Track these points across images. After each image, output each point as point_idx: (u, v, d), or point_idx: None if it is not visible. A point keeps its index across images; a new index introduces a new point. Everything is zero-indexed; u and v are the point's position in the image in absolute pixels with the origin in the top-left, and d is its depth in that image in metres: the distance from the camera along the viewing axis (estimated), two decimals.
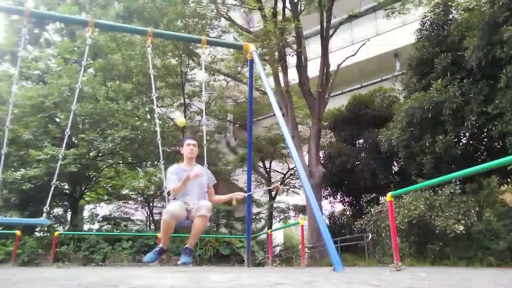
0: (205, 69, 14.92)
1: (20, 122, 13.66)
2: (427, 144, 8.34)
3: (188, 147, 4.04)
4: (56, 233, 11.62)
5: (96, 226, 16.30)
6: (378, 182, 11.65)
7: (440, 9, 9.51)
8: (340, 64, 12.96)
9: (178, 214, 3.57)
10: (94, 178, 16.21)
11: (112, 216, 17.65)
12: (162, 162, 4.66)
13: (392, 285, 2.17)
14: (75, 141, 14.37)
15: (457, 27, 8.70)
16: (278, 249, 18.56)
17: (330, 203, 14.36)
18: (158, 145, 4.82)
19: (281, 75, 12.60)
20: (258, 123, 18.46)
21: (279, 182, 18.66)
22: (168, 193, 3.96)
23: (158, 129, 4.96)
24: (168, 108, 17.13)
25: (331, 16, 12.31)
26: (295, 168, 13.07)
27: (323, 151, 14.05)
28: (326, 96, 12.50)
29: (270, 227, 16.35)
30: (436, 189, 7.62)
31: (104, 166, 16.14)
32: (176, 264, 3.64)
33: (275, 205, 18.39)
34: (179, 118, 4.31)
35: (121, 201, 18.18)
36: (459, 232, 6.69)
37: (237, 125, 20.38)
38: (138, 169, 16.81)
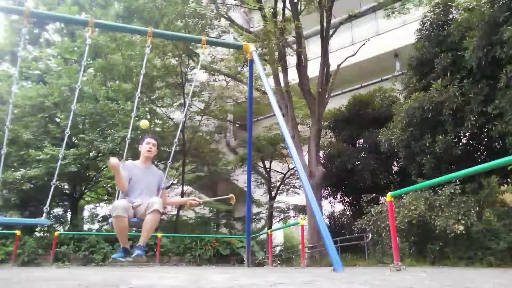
0: (205, 69, 14.93)
1: (20, 122, 13.67)
2: (427, 144, 8.34)
3: (147, 146, 3.92)
4: (56, 233, 11.63)
5: (96, 226, 16.32)
6: (378, 182, 11.65)
7: (440, 9, 9.50)
8: (340, 64, 12.95)
9: (126, 206, 3.42)
10: (94, 178, 16.21)
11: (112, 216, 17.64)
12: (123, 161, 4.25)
13: (392, 285, 2.17)
14: (75, 141, 14.37)
15: (457, 27, 8.69)
16: (278, 249, 18.56)
17: (330, 203, 14.36)
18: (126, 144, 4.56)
19: (281, 75, 12.60)
20: (258, 123, 18.46)
21: (279, 182, 18.68)
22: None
23: (130, 131, 4.63)
24: (168, 108, 17.14)
25: (331, 16, 12.31)
26: (295, 168, 13.06)
27: (323, 151, 14.04)
28: (326, 96, 12.50)
29: (270, 227, 16.35)
30: (436, 189, 7.61)
31: (104, 166, 16.14)
32: (131, 260, 3.48)
33: (275, 205, 18.40)
34: (142, 120, 4.11)
35: None
36: (459, 232, 6.68)
37: (237, 125, 20.39)
38: None
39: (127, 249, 3.58)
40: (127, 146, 4.50)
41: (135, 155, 16.77)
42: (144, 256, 3.37)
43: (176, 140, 5.00)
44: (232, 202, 4.20)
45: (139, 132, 13.98)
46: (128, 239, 3.62)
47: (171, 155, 4.73)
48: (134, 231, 3.81)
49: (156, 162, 14.89)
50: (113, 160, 3.48)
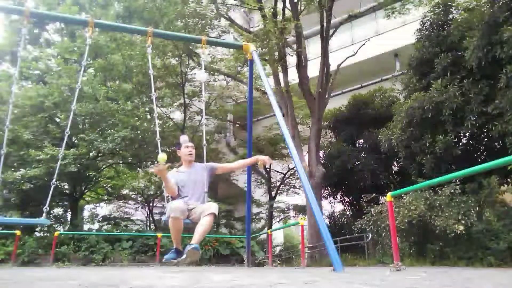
0: (205, 69, 14.90)
1: (20, 122, 13.66)
2: (427, 144, 8.34)
3: (187, 150, 4.03)
4: (56, 233, 11.62)
5: (96, 226, 16.31)
6: (378, 182, 11.65)
7: (440, 9, 9.50)
8: (340, 64, 12.95)
9: (183, 208, 3.48)
10: (94, 178, 16.21)
11: (112, 216, 17.67)
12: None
13: (392, 285, 2.17)
14: (75, 141, 14.37)
15: (457, 27, 8.69)
16: (278, 249, 18.57)
17: (330, 203, 14.36)
18: (158, 145, 4.62)
19: (281, 75, 12.60)
20: (258, 123, 18.46)
21: (279, 182, 18.68)
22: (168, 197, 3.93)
23: (157, 129, 4.82)
24: (168, 108, 17.14)
25: (331, 16, 12.31)
26: (295, 168, 13.06)
27: (323, 151, 14.04)
28: (326, 96, 12.49)
29: (270, 227, 16.35)
30: (436, 189, 7.61)
31: (104, 166, 16.15)
32: (179, 259, 3.38)
33: (275, 205, 18.40)
34: (161, 154, 3.99)
35: (121, 201, 18.20)
36: (459, 232, 6.68)
37: (237, 125, 20.38)
38: (138, 169, 16.82)
39: (180, 250, 3.56)
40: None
41: (135, 155, 16.73)
42: (200, 251, 3.32)
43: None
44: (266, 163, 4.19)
45: (139, 132, 14.00)
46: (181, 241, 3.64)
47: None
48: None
49: (156, 162, 14.90)
50: (161, 166, 3.45)
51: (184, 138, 4.11)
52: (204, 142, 4.75)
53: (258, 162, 4.25)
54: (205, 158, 4.55)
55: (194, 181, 3.88)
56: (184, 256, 3.25)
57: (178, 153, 4.08)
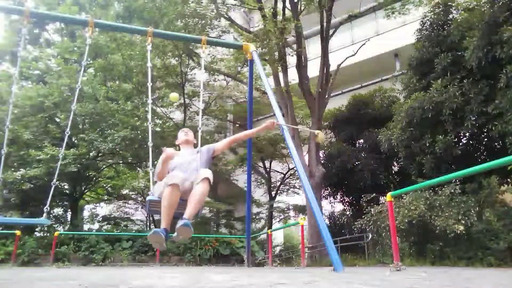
0: (205, 69, 14.93)
1: (20, 122, 13.66)
2: (427, 144, 8.34)
3: (182, 133, 3.97)
4: (56, 233, 11.62)
5: (96, 226, 16.31)
6: (378, 182, 11.65)
7: (440, 9, 9.50)
8: (340, 64, 12.95)
9: (183, 178, 3.14)
10: (94, 178, 16.21)
11: (112, 216, 17.66)
12: (150, 169, 3.85)
13: (392, 285, 2.17)
14: (75, 141, 14.37)
15: (457, 27, 8.69)
16: (278, 249, 18.57)
17: (330, 203, 14.37)
18: (149, 149, 4.23)
19: (281, 75, 12.60)
20: (258, 123, 18.40)
21: (279, 182, 18.68)
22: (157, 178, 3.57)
23: (149, 132, 4.39)
24: (168, 108, 17.14)
25: (331, 16, 12.31)
26: (295, 168, 13.06)
27: (323, 151, 14.05)
28: (326, 96, 12.50)
29: (270, 227, 16.35)
30: (436, 189, 7.61)
31: (104, 166, 16.15)
32: (175, 233, 2.96)
33: (275, 205, 18.40)
34: (172, 94, 3.94)
35: (121, 201, 18.19)
36: (459, 232, 6.68)
37: (237, 125, 20.38)
38: (138, 169, 16.81)
39: (168, 231, 3.07)
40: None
41: (135, 155, 16.72)
42: (192, 228, 2.91)
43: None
44: (320, 140, 4.04)
45: (139, 132, 13.99)
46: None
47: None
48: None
49: (156, 162, 14.90)
50: (169, 150, 3.38)
51: (173, 95, 4.19)
52: (199, 141, 4.64)
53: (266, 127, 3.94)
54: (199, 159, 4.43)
55: (189, 161, 3.62)
56: (175, 234, 2.93)
57: (177, 142, 4.00)
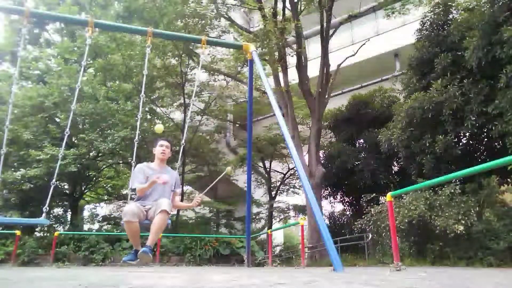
0: (205, 69, 14.93)
1: (20, 122, 13.66)
2: (427, 144, 8.34)
3: (161, 148, 3.98)
4: (56, 233, 11.62)
5: (96, 226, 16.30)
6: (378, 182, 11.65)
7: (440, 9, 9.50)
8: (340, 64, 12.95)
9: (136, 212, 3.45)
10: (94, 178, 16.21)
11: (112, 216, 17.64)
12: (134, 163, 4.17)
13: (392, 285, 2.17)
14: (75, 141, 14.36)
15: (457, 27, 8.69)
16: (278, 249, 18.55)
17: (330, 203, 14.36)
18: (134, 149, 4.59)
19: (281, 75, 12.60)
20: (258, 123, 18.45)
21: (279, 182, 18.67)
22: (133, 190, 3.85)
23: (138, 131, 4.74)
24: (168, 108, 17.14)
25: (331, 16, 12.31)
26: (295, 168, 13.05)
27: (323, 151, 14.03)
28: (326, 96, 12.49)
29: (270, 227, 16.34)
30: (436, 189, 7.62)
31: (104, 166, 16.14)
32: (137, 261, 3.43)
33: (275, 205, 18.39)
34: (157, 125, 4.18)
35: (121, 201, 18.18)
36: (459, 232, 6.68)
37: (237, 125, 20.38)
38: None
39: (138, 250, 3.49)
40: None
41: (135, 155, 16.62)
42: (150, 254, 3.30)
43: (183, 141, 5.01)
44: (231, 173, 4.23)
45: (139, 132, 13.99)
46: (141, 242, 3.59)
47: (180, 157, 4.79)
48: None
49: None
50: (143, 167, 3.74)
51: (158, 127, 4.24)
52: (183, 141, 4.92)
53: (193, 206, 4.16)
54: (179, 160, 4.51)
55: (162, 187, 3.78)
56: (134, 261, 3.34)
57: (153, 150, 4.04)
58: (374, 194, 10.26)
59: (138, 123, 4.85)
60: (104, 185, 17.63)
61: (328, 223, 13.56)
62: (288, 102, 12.43)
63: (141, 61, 13.54)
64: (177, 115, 17.82)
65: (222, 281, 2.54)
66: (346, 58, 13.29)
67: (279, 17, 12.06)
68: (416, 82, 9.43)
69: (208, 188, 4.34)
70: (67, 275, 3.72)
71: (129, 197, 3.87)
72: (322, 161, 13.14)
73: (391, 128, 9.70)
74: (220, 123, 19.04)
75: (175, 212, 16.16)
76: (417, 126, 8.67)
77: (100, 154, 14.71)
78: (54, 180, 4.36)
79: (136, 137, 4.66)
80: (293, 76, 12.83)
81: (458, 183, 7.68)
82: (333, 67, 12.73)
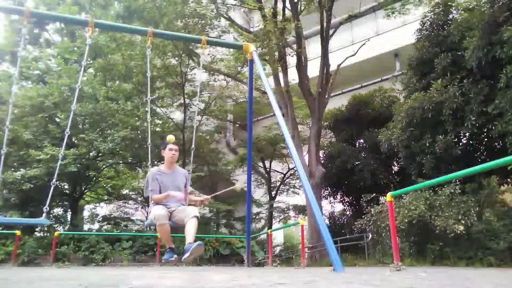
0: (205, 69, 14.92)
1: (20, 122, 13.66)
2: (427, 144, 8.34)
3: (170, 152, 4.15)
4: (56, 233, 11.62)
5: (96, 226, 16.31)
6: (378, 182, 11.65)
7: (440, 9, 9.50)
8: (340, 64, 12.95)
9: (166, 214, 3.72)
10: (94, 178, 16.20)
11: (112, 216, 17.65)
12: (150, 166, 4.66)
13: (392, 285, 2.17)
14: (75, 141, 14.36)
15: (457, 27, 8.69)
16: (278, 249, 18.55)
17: (330, 203, 14.36)
18: (148, 150, 4.96)
19: (281, 75, 12.60)
20: (258, 123, 18.44)
21: (279, 182, 18.67)
22: (148, 198, 4.14)
23: (149, 132, 5.11)
24: (168, 108, 17.13)
25: (331, 16, 12.30)
26: (295, 168, 13.05)
27: (323, 151, 14.02)
28: (326, 96, 12.49)
29: (270, 227, 16.34)
30: (436, 189, 7.61)
31: (104, 166, 16.14)
32: (175, 257, 3.80)
33: (275, 205, 18.39)
34: (169, 136, 4.45)
35: (121, 201, 18.18)
36: (459, 232, 6.68)
37: (237, 125, 20.37)
38: (138, 169, 16.81)
39: (173, 248, 3.88)
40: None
41: (135, 155, 16.72)
42: (202, 245, 3.54)
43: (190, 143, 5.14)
44: (239, 191, 4.46)
45: (139, 132, 13.99)
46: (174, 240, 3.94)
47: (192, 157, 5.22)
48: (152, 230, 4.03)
49: (156, 162, 14.91)
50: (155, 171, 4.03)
51: (170, 137, 4.24)
52: (193, 146, 5.36)
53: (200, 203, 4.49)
54: (191, 162, 4.66)
55: (176, 184, 4.09)
56: (188, 254, 3.46)
57: (162, 152, 4.19)
58: (374, 194, 10.27)
59: (149, 129, 5.27)
60: (104, 185, 17.62)
61: (328, 223, 13.56)
62: (288, 102, 12.43)
63: (141, 61, 13.54)
64: (177, 115, 17.82)
65: (222, 281, 2.54)
66: (346, 58, 13.28)
67: (279, 17, 12.06)
68: (416, 82, 9.43)
69: (215, 194, 4.77)
70: (67, 275, 3.72)
71: (150, 200, 4.10)
72: (322, 161, 13.13)
73: (391, 128, 9.71)
74: (220, 123, 19.05)
75: None
76: (417, 126, 8.67)
77: (100, 154, 14.71)
78: (54, 180, 4.36)
79: (149, 140, 5.00)
80: (293, 76, 12.82)
81: (458, 183, 7.68)
82: (333, 67, 12.72)
